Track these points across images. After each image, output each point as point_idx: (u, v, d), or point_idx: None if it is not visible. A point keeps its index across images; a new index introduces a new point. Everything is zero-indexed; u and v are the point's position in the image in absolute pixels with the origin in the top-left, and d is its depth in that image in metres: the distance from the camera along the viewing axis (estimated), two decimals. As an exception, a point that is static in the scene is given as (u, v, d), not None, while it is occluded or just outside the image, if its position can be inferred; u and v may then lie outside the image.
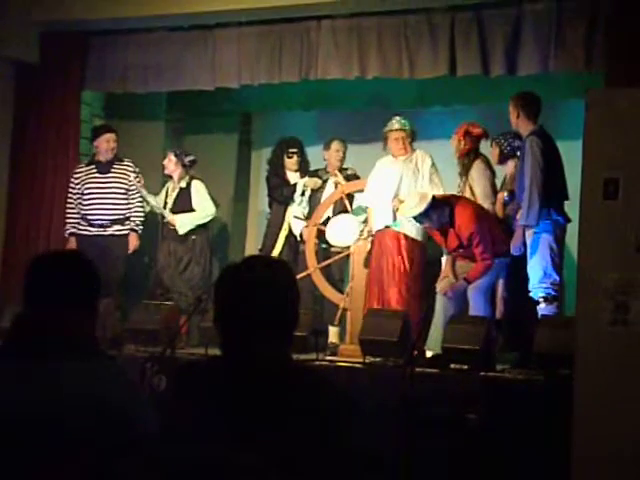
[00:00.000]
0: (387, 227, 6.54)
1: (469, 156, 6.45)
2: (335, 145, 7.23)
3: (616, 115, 4.21)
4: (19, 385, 2.17)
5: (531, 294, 5.74)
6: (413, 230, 6.50)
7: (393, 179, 6.58)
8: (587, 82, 6.29)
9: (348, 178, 7.10)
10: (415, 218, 6.16)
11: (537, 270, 5.69)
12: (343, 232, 6.82)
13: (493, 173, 6.52)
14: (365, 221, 6.78)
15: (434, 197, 6.14)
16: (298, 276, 6.49)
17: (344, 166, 7.23)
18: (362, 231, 6.71)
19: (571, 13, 6.30)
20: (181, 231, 7.24)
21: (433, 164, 6.67)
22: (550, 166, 5.68)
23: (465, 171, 6.44)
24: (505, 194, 6.28)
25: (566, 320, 5.24)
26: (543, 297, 5.68)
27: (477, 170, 6.42)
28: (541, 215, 5.64)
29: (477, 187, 6.40)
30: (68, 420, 2.12)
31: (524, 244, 5.76)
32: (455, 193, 6.45)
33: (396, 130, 6.65)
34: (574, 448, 4.14)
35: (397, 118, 6.70)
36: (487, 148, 6.53)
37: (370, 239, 6.63)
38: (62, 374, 2.17)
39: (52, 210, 7.58)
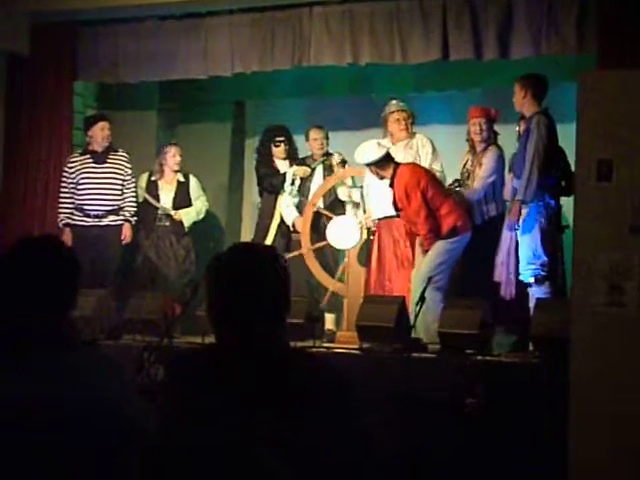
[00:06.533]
0: (390, 217, 6.42)
1: (489, 140, 6.41)
2: (313, 133, 7.14)
3: (608, 97, 4.21)
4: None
5: (520, 277, 5.74)
6: None
7: None
8: (580, 64, 6.29)
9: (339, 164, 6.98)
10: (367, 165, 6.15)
11: (527, 251, 5.69)
12: (344, 234, 6.61)
13: (504, 161, 6.44)
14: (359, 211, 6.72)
15: (389, 152, 6.14)
16: (290, 255, 6.52)
17: (330, 151, 7.10)
18: (361, 226, 6.62)
19: (562, -4, 6.30)
20: (187, 225, 7.26)
21: (434, 150, 6.64)
22: (551, 147, 5.69)
23: (479, 155, 6.38)
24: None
25: (562, 302, 5.25)
26: (534, 278, 5.67)
27: (490, 155, 6.36)
28: (537, 193, 5.64)
29: (484, 171, 6.34)
30: (55, 414, 2.08)
31: (518, 222, 5.72)
32: (457, 178, 6.43)
33: (397, 111, 6.66)
34: (571, 430, 4.15)
35: (394, 101, 6.72)
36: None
37: (372, 229, 6.58)
38: (42, 369, 2.12)
39: (46, 201, 7.57)
